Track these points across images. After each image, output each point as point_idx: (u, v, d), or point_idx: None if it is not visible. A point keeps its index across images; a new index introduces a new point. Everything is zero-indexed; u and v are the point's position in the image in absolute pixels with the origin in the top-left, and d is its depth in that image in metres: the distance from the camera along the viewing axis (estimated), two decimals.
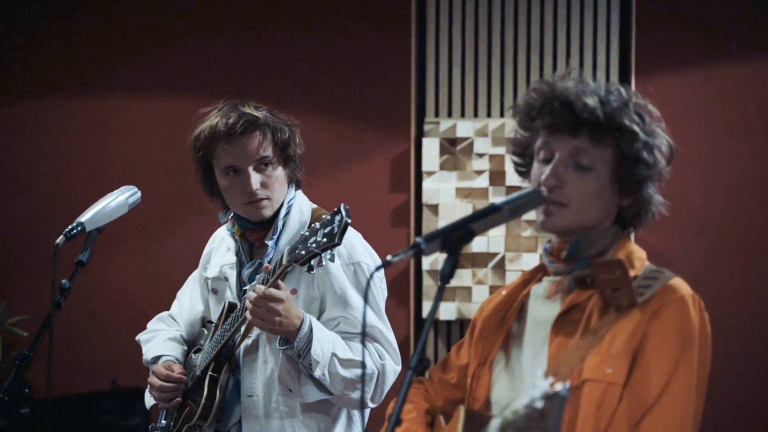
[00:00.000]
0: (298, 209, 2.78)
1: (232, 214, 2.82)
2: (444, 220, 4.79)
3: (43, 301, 2.57)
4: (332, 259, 2.47)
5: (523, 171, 2.06)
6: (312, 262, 2.46)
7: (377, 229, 4.90)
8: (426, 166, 4.89)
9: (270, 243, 2.73)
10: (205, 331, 2.91)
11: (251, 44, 5.05)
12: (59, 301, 2.52)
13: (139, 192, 2.71)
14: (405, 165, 4.94)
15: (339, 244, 2.40)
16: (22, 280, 5.03)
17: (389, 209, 4.96)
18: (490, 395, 2.02)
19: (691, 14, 4.84)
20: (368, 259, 2.76)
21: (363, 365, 2.63)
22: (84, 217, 2.60)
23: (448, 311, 4.85)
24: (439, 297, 1.80)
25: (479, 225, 1.87)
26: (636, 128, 1.93)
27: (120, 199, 2.67)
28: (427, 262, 4.85)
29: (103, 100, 5.09)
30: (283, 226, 2.74)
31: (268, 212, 2.73)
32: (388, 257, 1.78)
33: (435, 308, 1.80)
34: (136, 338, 2.97)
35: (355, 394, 2.64)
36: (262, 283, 2.57)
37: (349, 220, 2.41)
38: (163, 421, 2.84)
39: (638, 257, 1.98)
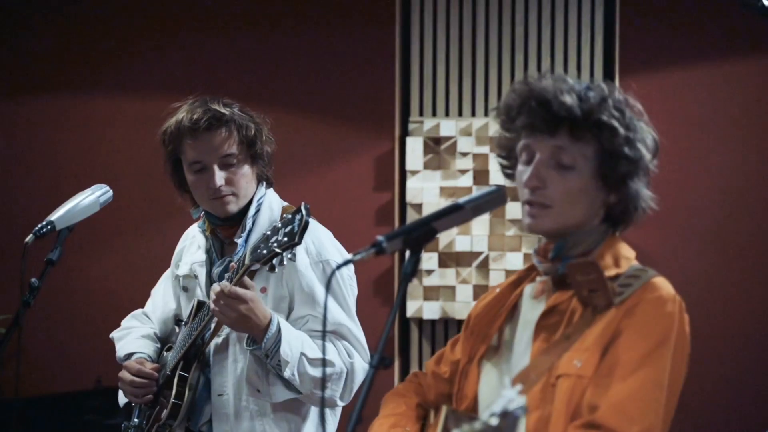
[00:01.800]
0: (268, 207, 2.77)
1: (203, 212, 2.82)
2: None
3: (17, 300, 2.56)
4: (293, 259, 2.47)
5: (510, 173, 2.05)
6: (273, 261, 2.46)
7: (361, 228, 4.90)
8: (410, 165, 4.89)
9: (239, 241, 2.72)
10: (177, 329, 2.91)
11: (237, 44, 5.05)
12: (28, 299, 2.52)
13: (111, 191, 2.71)
14: (389, 164, 4.94)
15: (299, 243, 2.41)
16: (1, 279, 5.02)
17: (373, 208, 4.96)
18: (478, 393, 2.02)
19: (675, 13, 4.84)
20: (337, 257, 2.75)
21: (324, 362, 2.62)
22: (54, 216, 2.61)
23: (432, 310, 4.85)
24: (402, 294, 1.80)
25: (441, 223, 1.87)
26: (615, 123, 1.91)
27: (91, 197, 2.67)
28: None
29: (84, 99, 5.09)
30: (253, 224, 2.74)
31: (233, 208, 2.72)
32: (350, 255, 1.80)
33: (397, 305, 1.80)
34: (111, 336, 2.97)
35: (325, 393, 2.65)
36: (228, 281, 2.57)
37: (309, 219, 2.41)
38: (136, 420, 2.84)
39: (625, 256, 1.97)
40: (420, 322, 4.89)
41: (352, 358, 2.69)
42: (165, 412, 2.71)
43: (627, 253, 1.98)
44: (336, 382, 2.66)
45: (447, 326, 4.90)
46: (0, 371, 2.55)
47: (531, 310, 2.00)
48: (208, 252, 2.82)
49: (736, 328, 4.76)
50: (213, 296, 2.54)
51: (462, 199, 1.89)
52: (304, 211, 2.41)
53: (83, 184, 2.80)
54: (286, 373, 2.57)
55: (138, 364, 2.79)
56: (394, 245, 1.82)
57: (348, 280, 2.78)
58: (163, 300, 2.97)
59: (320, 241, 2.72)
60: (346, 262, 1.80)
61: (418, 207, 4.87)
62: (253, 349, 2.59)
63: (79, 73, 5.09)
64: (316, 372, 2.61)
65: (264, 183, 2.81)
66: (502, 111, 2.01)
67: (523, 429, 1.45)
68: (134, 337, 2.91)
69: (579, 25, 4.87)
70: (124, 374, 2.79)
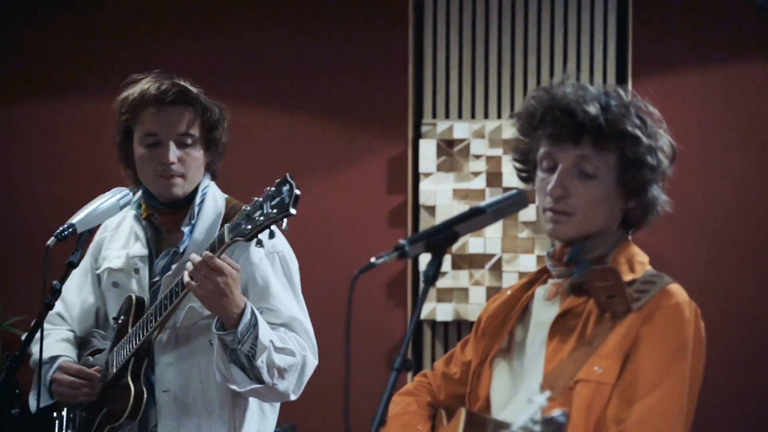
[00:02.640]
0: (212, 198, 2.71)
1: (139, 194, 2.74)
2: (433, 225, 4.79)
3: (38, 304, 2.57)
4: (273, 236, 2.39)
5: (525, 177, 2.07)
6: (260, 236, 2.38)
7: (374, 231, 4.91)
8: (423, 167, 4.89)
9: (185, 230, 2.66)
10: (106, 330, 2.81)
11: (248, 45, 5.06)
12: (50, 302, 2.53)
13: (131, 194, 2.70)
14: (402, 166, 4.95)
15: (293, 213, 2.32)
16: (20, 281, 5.03)
17: (386, 210, 4.96)
18: (490, 394, 2.03)
19: (688, 16, 4.84)
20: (289, 249, 2.71)
21: (288, 351, 2.56)
22: (75, 219, 2.61)
23: (445, 312, 4.86)
24: (424, 298, 1.80)
25: (463, 227, 1.87)
26: (638, 133, 1.94)
27: (111, 200, 2.67)
28: (424, 264, 4.84)
29: (98, 102, 5.09)
30: (198, 213, 2.67)
31: (178, 191, 2.65)
32: (372, 259, 1.79)
33: (420, 308, 1.80)
34: (22, 338, 2.75)
35: (282, 385, 2.57)
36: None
37: (299, 192, 2.34)
38: (69, 431, 2.72)
39: (639, 261, 1.99)
40: (433, 324, 4.90)
41: (305, 352, 2.63)
42: (125, 412, 2.62)
43: (641, 257, 2.00)
44: (293, 373, 2.59)
45: (460, 328, 4.91)
46: (21, 374, 2.55)
47: (544, 311, 2.02)
48: (148, 244, 2.73)
49: (748, 333, 4.76)
50: (190, 266, 2.45)
51: (484, 203, 1.90)
52: (293, 182, 2.34)
53: (101, 188, 2.79)
54: (258, 361, 2.50)
55: (78, 366, 2.71)
56: (417, 249, 1.83)
57: (297, 274, 2.72)
58: (79, 296, 2.85)
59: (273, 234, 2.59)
60: (369, 266, 1.79)
61: (431, 209, 4.88)
62: (224, 334, 2.50)
63: (98, 77, 5.10)
64: (281, 361, 2.55)
65: (209, 174, 2.73)
66: (522, 117, 2.02)
67: None
68: (54, 339, 2.81)
69: (592, 28, 4.87)
70: (61, 376, 2.70)
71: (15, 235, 5.14)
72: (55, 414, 2.72)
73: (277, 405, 2.77)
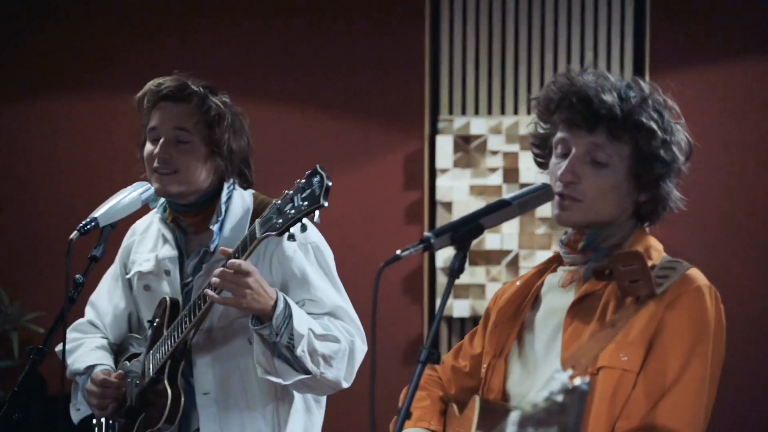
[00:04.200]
0: (240, 195, 2.67)
1: (163, 199, 2.70)
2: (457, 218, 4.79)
3: (59, 297, 2.57)
4: (305, 229, 2.35)
5: (542, 162, 2.08)
6: (292, 230, 2.33)
7: (391, 227, 4.91)
8: (440, 163, 4.89)
9: (214, 228, 2.62)
10: (141, 334, 2.78)
11: (263, 41, 5.06)
12: (73, 295, 2.54)
13: (152, 188, 2.70)
14: (419, 162, 4.94)
15: (324, 205, 2.28)
16: (38, 277, 5.05)
17: (403, 207, 4.96)
18: (506, 385, 2.03)
19: (705, 10, 4.83)
20: (322, 240, 2.68)
21: (331, 338, 2.53)
22: (98, 213, 2.62)
23: (461, 308, 4.86)
24: (449, 290, 1.80)
25: (488, 220, 1.87)
26: (654, 126, 1.94)
27: (133, 195, 2.67)
28: (441, 260, 4.86)
29: (114, 96, 5.11)
30: (226, 211, 2.63)
31: (172, 188, 2.60)
32: (398, 252, 1.79)
33: (444, 301, 1.80)
34: (56, 349, 2.76)
35: (331, 373, 2.53)
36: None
37: (330, 183, 2.29)
38: None
39: (655, 248, 2.00)
40: (450, 320, 4.90)
41: (353, 337, 2.58)
42: (163, 416, 2.58)
43: (656, 245, 2.01)
44: (341, 360, 2.54)
45: (476, 324, 4.88)
46: (43, 366, 2.55)
47: (557, 298, 2.03)
48: (177, 245, 2.69)
49: (756, 327, 4.75)
50: (216, 280, 2.41)
51: (509, 196, 1.90)
52: (323, 173, 2.30)
53: (121, 184, 2.79)
54: (298, 350, 2.46)
55: (104, 374, 2.67)
56: (442, 241, 1.83)
57: (333, 264, 2.69)
58: (110, 303, 2.83)
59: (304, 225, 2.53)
60: (394, 259, 1.80)
61: (447, 205, 4.88)
62: (260, 328, 2.47)
63: (115, 73, 5.11)
64: (324, 348, 2.51)
65: (232, 182, 2.67)
66: (541, 102, 2.03)
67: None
68: (89, 348, 2.78)
69: (609, 23, 4.86)
70: (91, 387, 2.67)
71: (33, 231, 5.15)
72: (94, 421, 2.69)
73: (323, 402, 2.74)
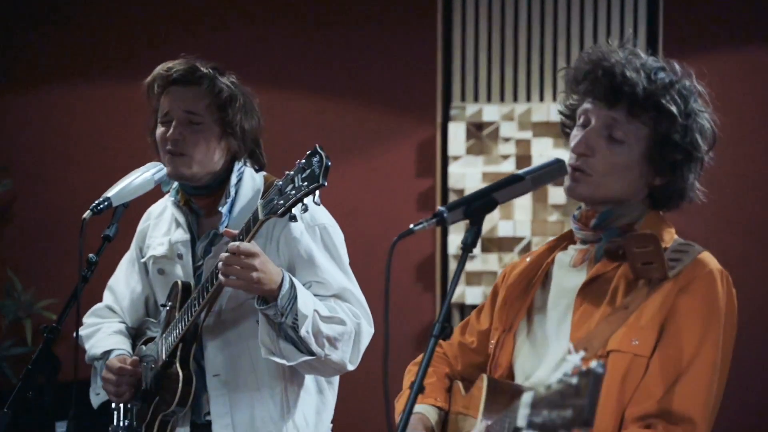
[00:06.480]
0: (250, 176, 2.68)
1: (176, 183, 2.72)
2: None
3: (72, 284, 2.56)
4: (306, 210, 2.35)
5: (569, 132, 2.07)
6: (294, 210, 2.33)
7: (403, 214, 4.90)
8: (452, 150, 4.89)
9: (223, 210, 2.63)
10: (156, 317, 2.79)
11: (279, 32, 5.06)
12: (87, 274, 2.54)
13: (165, 169, 2.71)
14: (431, 150, 4.94)
15: (324, 184, 2.28)
16: (51, 264, 5.07)
17: (415, 194, 4.96)
18: (513, 362, 2.03)
19: None
20: (331, 221, 2.68)
21: (337, 320, 2.52)
22: (111, 192, 2.63)
23: (474, 295, 4.85)
24: (462, 265, 1.80)
25: (502, 194, 1.87)
26: (674, 110, 1.93)
27: (146, 175, 2.68)
28: (453, 247, 4.85)
29: (127, 84, 5.12)
30: (236, 193, 2.64)
31: (184, 170, 2.61)
32: (411, 226, 1.79)
33: (458, 275, 1.78)
34: (76, 334, 2.78)
35: (336, 355, 2.53)
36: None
37: (330, 162, 2.30)
38: (126, 422, 2.68)
39: (668, 230, 1.99)
40: (462, 307, 4.90)
41: (359, 320, 2.59)
42: (175, 399, 2.60)
43: (669, 228, 2.00)
44: (347, 342, 2.55)
45: None
46: (56, 351, 2.55)
47: (568, 278, 2.02)
48: (190, 229, 2.70)
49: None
50: (221, 265, 2.41)
51: (522, 170, 1.89)
52: (322, 153, 2.30)
53: (131, 170, 2.80)
54: (302, 331, 2.46)
55: (119, 361, 2.69)
56: (455, 216, 1.82)
57: (340, 245, 2.69)
58: (128, 287, 2.85)
59: (311, 206, 2.49)
60: (407, 233, 1.79)
61: (460, 192, 4.87)
62: (265, 308, 2.47)
63: (124, 61, 5.13)
64: (329, 330, 2.51)
65: (244, 161, 2.68)
66: (570, 72, 2.04)
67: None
68: (106, 333, 2.80)
69: (622, 10, 4.85)
70: (107, 374, 2.68)
71: (46, 219, 5.17)
72: (113, 405, 2.70)
73: (336, 383, 2.74)
